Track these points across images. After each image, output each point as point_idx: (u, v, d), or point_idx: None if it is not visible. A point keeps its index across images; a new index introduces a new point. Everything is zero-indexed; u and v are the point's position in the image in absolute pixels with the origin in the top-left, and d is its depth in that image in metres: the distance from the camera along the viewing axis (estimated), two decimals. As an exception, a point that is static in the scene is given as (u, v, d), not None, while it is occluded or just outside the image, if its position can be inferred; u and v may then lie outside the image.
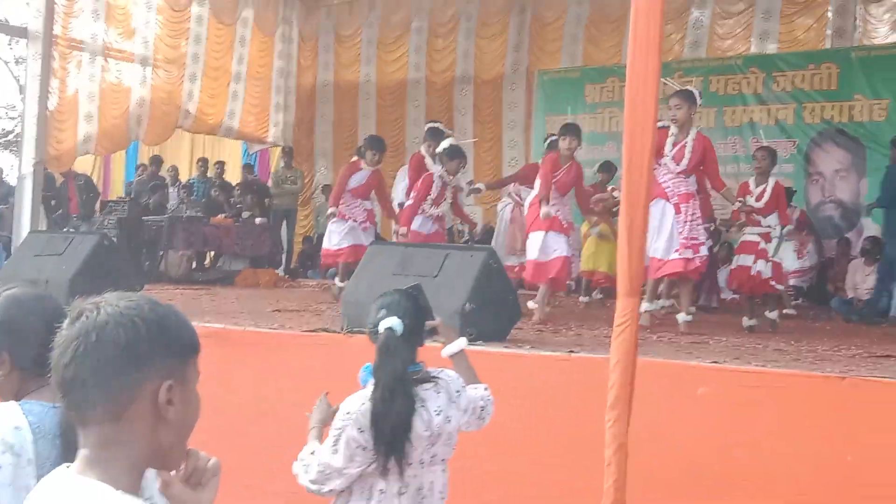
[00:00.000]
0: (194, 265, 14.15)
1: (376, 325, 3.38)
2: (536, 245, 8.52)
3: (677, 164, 8.01)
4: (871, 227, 12.63)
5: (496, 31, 15.84)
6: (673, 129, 8.06)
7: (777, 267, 8.67)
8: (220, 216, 14.31)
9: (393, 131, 16.64)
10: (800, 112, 13.27)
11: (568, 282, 9.00)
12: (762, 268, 8.50)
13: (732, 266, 8.95)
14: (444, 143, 9.49)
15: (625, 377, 4.00)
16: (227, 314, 8.04)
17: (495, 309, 6.43)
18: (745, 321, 8.57)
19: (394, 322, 3.35)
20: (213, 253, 14.71)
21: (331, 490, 3.40)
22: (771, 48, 13.75)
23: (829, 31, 13.34)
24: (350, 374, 3.54)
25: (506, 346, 6.05)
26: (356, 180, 10.19)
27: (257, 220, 14.31)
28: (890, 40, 12.91)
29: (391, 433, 3.25)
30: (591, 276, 10.62)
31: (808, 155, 12.94)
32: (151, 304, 1.75)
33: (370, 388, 3.34)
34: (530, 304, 8.47)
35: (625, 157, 4.10)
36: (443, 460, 3.43)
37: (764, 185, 8.64)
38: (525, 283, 9.43)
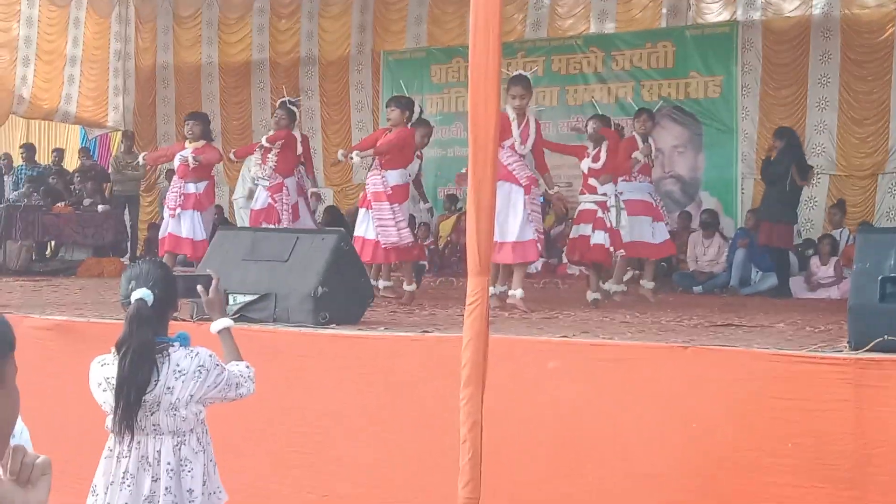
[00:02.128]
0: (34, 256, 13.63)
1: (128, 297, 3.46)
2: None
3: (523, 145, 8.03)
4: (710, 200, 13.11)
5: (339, 12, 15.71)
6: (512, 115, 7.97)
7: (616, 235, 8.63)
8: (60, 204, 13.82)
9: (238, 113, 16.39)
10: (638, 90, 13.62)
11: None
12: (601, 238, 8.50)
13: (572, 236, 8.88)
14: None
15: (477, 355, 4.05)
16: (69, 305, 7.77)
17: (348, 292, 6.39)
18: (590, 295, 8.74)
19: (144, 293, 3.42)
20: (53, 243, 14.22)
21: None
22: (609, 28, 14.04)
23: (664, 11, 13.69)
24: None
25: (360, 329, 6.04)
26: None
27: (100, 208, 13.87)
28: (722, 18, 13.36)
29: (135, 398, 3.35)
30: None
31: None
32: None
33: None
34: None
35: (470, 136, 4.14)
36: (173, 433, 3.45)
37: (598, 148, 8.71)
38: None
